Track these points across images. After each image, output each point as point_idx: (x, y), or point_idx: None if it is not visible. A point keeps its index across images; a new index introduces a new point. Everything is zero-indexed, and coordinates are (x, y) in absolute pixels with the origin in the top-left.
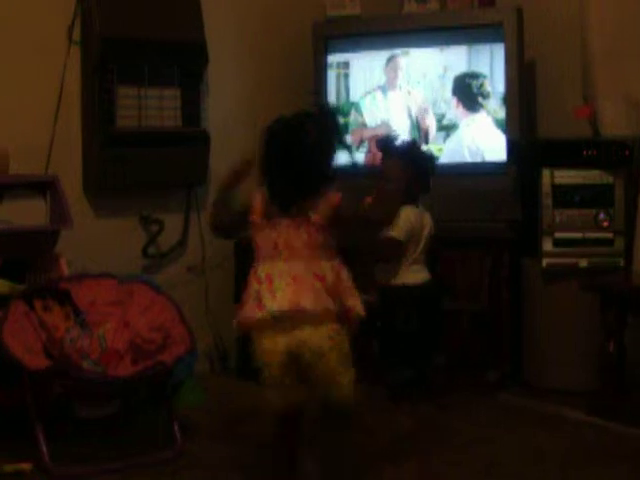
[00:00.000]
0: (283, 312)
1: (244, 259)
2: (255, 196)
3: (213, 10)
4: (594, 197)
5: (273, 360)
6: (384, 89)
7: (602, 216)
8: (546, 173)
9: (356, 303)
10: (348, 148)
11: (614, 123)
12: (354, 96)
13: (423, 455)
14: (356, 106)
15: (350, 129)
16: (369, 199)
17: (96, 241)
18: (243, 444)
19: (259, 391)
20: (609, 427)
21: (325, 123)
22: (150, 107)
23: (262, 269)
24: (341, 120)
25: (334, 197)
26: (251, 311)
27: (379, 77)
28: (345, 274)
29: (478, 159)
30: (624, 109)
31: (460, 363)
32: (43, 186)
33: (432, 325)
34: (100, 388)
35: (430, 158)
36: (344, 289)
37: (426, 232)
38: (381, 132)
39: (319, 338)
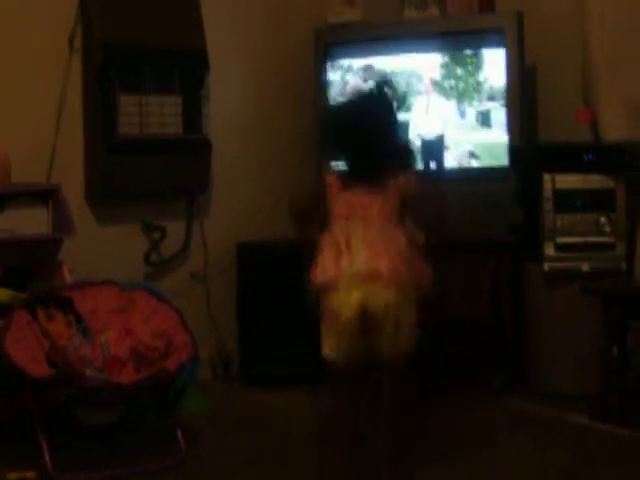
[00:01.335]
0: (360, 272)
1: (246, 266)
2: (326, 172)
3: (214, 17)
4: (595, 201)
5: (346, 313)
6: None
7: (603, 220)
8: (547, 178)
9: (425, 267)
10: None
11: (615, 128)
12: None
13: (427, 460)
14: None
15: None
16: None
17: (98, 249)
18: (247, 451)
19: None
20: (613, 431)
21: (385, 95)
22: (151, 114)
23: (339, 230)
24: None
25: (411, 178)
26: (329, 270)
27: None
28: (415, 242)
29: (479, 164)
30: (625, 114)
31: (463, 369)
32: (45, 194)
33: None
34: (103, 395)
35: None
36: (414, 257)
37: None
38: None
39: (390, 299)
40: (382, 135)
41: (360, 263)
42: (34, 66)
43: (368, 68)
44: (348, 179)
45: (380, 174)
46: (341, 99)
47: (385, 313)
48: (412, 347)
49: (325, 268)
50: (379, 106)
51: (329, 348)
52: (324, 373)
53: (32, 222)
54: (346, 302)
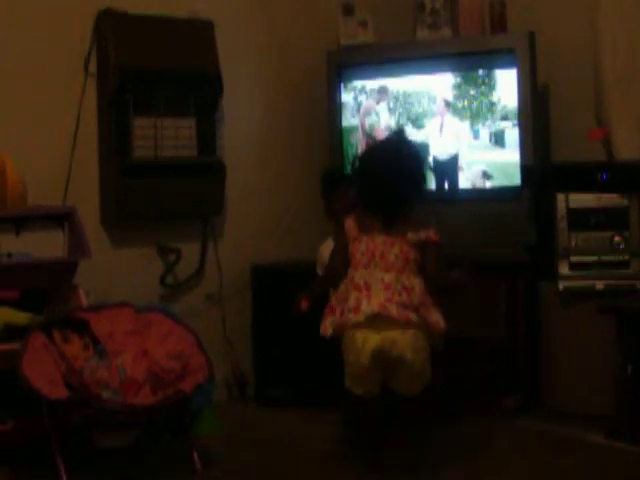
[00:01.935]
0: (375, 314)
1: (261, 287)
2: (347, 219)
3: (228, 40)
4: (609, 220)
5: (363, 354)
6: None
7: (617, 239)
8: (561, 197)
9: (439, 318)
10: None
11: (628, 146)
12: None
13: None
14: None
15: None
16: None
17: (114, 271)
18: (262, 472)
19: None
20: (628, 450)
21: (416, 149)
22: (166, 137)
23: (359, 276)
24: None
25: (434, 234)
26: (349, 314)
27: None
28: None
29: (493, 184)
30: (637, 132)
31: (478, 389)
32: (61, 217)
33: None
34: (120, 417)
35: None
36: (428, 304)
37: None
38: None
39: (405, 341)
40: (413, 185)
41: (376, 305)
42: (50, 90)
43: (382, 90)
44: (366, 222)
45: (400, 219)
46: (376, 142)
47: (401, 353)
48: (424, 386)
49: (345, 313)
50: (414, 157)
51: (349, 383)
52: (347, 401)
53: (48, 245)
54: (363, 345)
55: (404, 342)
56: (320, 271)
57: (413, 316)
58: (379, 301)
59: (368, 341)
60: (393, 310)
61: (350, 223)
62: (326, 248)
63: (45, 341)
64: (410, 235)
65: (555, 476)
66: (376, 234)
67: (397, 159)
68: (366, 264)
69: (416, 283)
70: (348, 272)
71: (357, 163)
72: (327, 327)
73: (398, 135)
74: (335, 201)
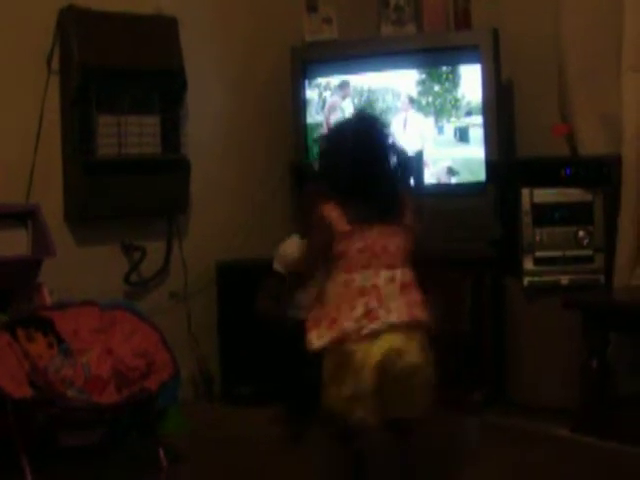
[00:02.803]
0: (401, 322)
1: (226, 284)
2: (326, 209)
3: (191, 36)
4: (573, 215)
5: (365, 372)
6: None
7: (582, 234)
8: (525, 192)
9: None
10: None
11: (591, 142)
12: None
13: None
14: None
15: None
16: None
17: (78, 269)
18: (228, 470)
19: (334, 403)
20: (594, 443)
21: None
22: (130, 135)
23: (361, 279)
24: None
25: (410, 201)
26: (359, 323)
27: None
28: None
29: (457, 180)
30: (601, 127)
31: (443, 384)
32: (24, 215)
33: None
34: (85, 416)
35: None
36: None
37: None
38: None
39: (413, 347)
40: (392, 165)
41: (401, 312)
42: (12, 88)
43: (344, 84)
44: (353, 213)
45: (394, 202)
46: (338, 125)
47: (409, 365)
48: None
49: (349, 322)
50: (389, 132)
51: (342, 407)
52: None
53: (11, 243)
54: (363, 360)
55: (412, 347)
56: (280, 268)
57: (425, 316)
58: (402, 307)
59: (369, 354)
60: (418, 312)
61: (333, 213)
62: (291, 245)
63: (9, 340)
64: (408, 220)
65: (521, 470)
66: (371, 225)
67: (379, 134)
68: (366, 264)
69: (412, 275)
70: (338, 275)
71: (327, 144)
72: (314, 339)
73: (365, 113)
74: (302, 201)
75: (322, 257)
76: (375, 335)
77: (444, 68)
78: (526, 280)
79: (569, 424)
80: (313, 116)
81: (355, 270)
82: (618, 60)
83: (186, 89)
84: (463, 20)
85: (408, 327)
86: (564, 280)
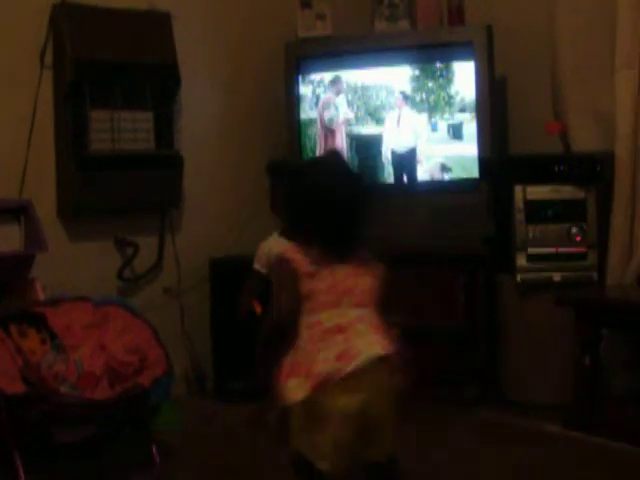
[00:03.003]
0: (376, 357)
1: (219, 280)
2: (289, 251)
3: (185, 32)
4: (566, 212)
5: (343, 421)
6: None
7: (575, 231)
8: (518, 189)
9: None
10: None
11: (585, 139)
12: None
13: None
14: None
15: None
16: None
17: (71, 265)
18: (221, 466)
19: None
20: (586, 440)
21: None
22: (123, 130)
23: (329, 319)
24: None
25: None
26: (338, 363)
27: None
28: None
29: (451, 176)
30: (594, 125)
31: (437, 380)
32: (17, 211)
33: None
34: (78, 412)
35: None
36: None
37: None
38: None
39: (383, 394)
40: (364, 209)
41: (373, 349)
42: (5, 83)
43: (336, 80)
44: (319, 253)
45: (355, 247)
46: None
47: (385, 408)
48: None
49: (324, 366)
50: (359, 177)
51: (321, 457)
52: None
53: (4, 239)
54: (345, 408)
55: (382, 395)
56: (260, 268)
57: (396, 356)
58: (372, 344)
59: (343, 402)
60: (388, 350)
61: (297, 256)
62: (273, 244)
63: (1, 335)
64: (372, 266)
65: (513, 466)
66: (335, 266)
67: (348, 178)
68: (335, 303)
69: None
70: (307, 316)
71: (296, 185)
72: (295, 390)
73: (336, 154)
74: (273, 199)
75: (299, 305)
76: (351, 377)
77: (438, 64)
78: (519, 277)
79: (561, 420)
80: (307, 112)
81: (321, 310)
82: (612, 57)
83: (179, 85)
84: (457, 16)
85: (380, 361)
86: (557, 277)
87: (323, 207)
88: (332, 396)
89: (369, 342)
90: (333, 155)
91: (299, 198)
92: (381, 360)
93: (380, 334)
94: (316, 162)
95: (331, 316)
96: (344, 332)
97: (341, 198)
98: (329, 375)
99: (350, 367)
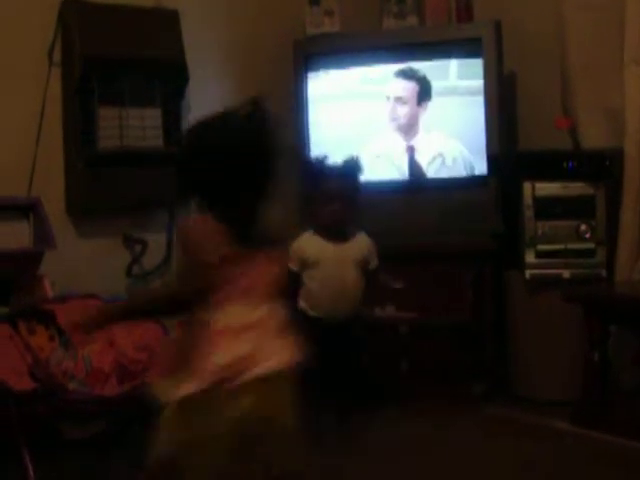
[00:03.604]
0: (277, 368)
1: None
2: (199, 225)
3: (193, 28)
4: (575, 208)
5: (219, 440)
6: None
7: (584, 227)
8: (527, 185)
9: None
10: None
11: (594, 135)
12: None
13: (411, 469)
14: None
15: None
16: None
17: (80, 262)
18: None
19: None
20: (594, 437)
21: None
22: (131, 127)
23: (236, 315)
24: None
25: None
26: (229, 369)
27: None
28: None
29: (459, 172)
30: (604, 121)
31: (445, 376)
32: (26, 208)
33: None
34: (87, 408)
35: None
36: None
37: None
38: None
39: (279, 397)
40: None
41: (278, 363)
42: (13, 80)
43: None
44: (229, 234)
45: (269, 229)
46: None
47: (278, 422)
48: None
49: (208, 366)
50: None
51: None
52: None
53: (13, 236)
54: (218, 416)
55: (277, 398)
56: (293, 267)
57: (298, 356)
58: (282, 347)
59: (232, 410)
60: (290, 357)
61: (212, 227)
62: (305, 242)
63: (10, 332)
64: (276, 248)
65: (522, 462)
66: (244, 252)
67: (264, 135)
68: (244, 295)
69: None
70: (208, 307)
71: (193, 142)
72: (174, 388)
73: (256, 106)
74: (328, 192)
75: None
76: (247, 385)
77: (446, 61)
78: (528, 273)
79: (569, 417)
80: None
81: (230, 303)
82: (621, 53)
83: (188, 81)
84: (465, 13)
85: (282, 373)
86: (566, 273)
87: (220, 174)
88: (220, 402)
89: (276, 348)
90: (251, 108)
91: (190, 159)
92: (286, 369)
93: (290, 336)
94: (221, 116)
95: (239, 312)
96: (250, 331)
97: (253, 161)
98: (220, 380)
99: (238, 381)
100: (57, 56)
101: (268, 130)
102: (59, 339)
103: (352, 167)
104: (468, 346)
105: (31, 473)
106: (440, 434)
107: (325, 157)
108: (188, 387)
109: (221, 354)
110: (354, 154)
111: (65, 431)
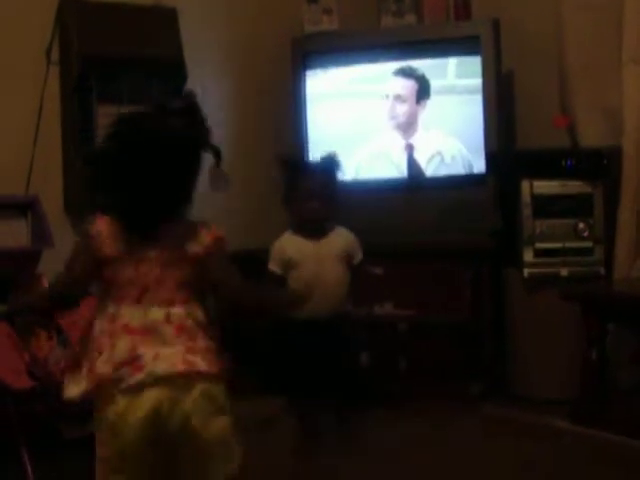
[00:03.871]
0: (172, 374)
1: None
2: (96, 220)
3: (191, 27)
4: (573, 207)
5: (128, 427)
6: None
7: (582, 225)
8: (525, 184)
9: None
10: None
11: (592, 134)
12: None
13: (409, 469)
14: None
15: None
16: None
17: None
18: None
19: None
20: (593, 435)
21: (196, 117)
22: None
23: (130, 316)
24: None
25: (217, 229)
26: (121, 370)
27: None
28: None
29: (457, 170)
30: (602, 120)
31: (443, 375)
32: (24, 206)
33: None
34: (85, 407)
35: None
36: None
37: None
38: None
39: (192, 402)
40: (186, 171)
41: (181, 365)
42: (11, 78)
43: None
44: (125, 230)
45: (172, 227)
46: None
47: (183, 423)
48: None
49: (118, 365)
50: (190, 128)
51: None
52: None
53: (11, 234)
54: (125, 412)
55: (190, 402)
56: (275, 268)
57: (212, 366)
58: (174, 355)
59: (129, 411)
60: (201, 365)
61: (104, 228)
62: (286, 242)
63: (8, 331)
64: (192, 246)
65: (520, 461)
66: (145, 250)
67: (161, 130)
68: (137, 298)
69: (202, 313)
70: (106, 306)
71: (110, 142)
72: (72, 386)
73: (188, 99)
74: (308, 188)
75: (84, 282)
76: (137, 388)
77: (444, 59)
78: (526, 272)
79: (568, 415)
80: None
81: (124, 303)
82: (619, 52)
83: (186, 80)
84: (463, 11)
85: (184, 379)
86: (564, 272)
87: (126, 171)
88: (111, 405)
89: (160, 355)
90: (182, 103)
91: (103, 157)
92: (176, 375)
93: (186, 344)
94: (140, 113)
95: (132, 313)
96: (139, 334)
97: (151, 160)
98: (106, 381)
99: (125, 384)
100: (55, 55)
101: (196, 126)
102: (57, 338)
103: (330, 164)
104: (466, 344)
105: (30, 472)
106: (438, 433)
107: (302, 154)
108: (82, 385)
109: (109, 353)
110: (332, 151)
111: (64, 430)
